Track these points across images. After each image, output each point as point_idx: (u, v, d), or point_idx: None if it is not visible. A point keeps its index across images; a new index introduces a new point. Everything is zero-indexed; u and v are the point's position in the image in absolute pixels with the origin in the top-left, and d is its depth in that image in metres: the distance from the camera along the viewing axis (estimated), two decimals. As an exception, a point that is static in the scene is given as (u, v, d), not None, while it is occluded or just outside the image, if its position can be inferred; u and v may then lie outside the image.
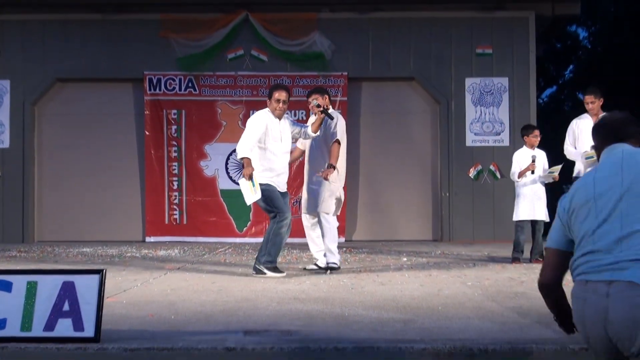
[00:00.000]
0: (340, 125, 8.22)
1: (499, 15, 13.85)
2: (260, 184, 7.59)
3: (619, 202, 3.22)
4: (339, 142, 8.11)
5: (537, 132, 9.59)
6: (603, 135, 3.58)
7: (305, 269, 8.27)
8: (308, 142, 8.33)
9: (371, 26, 13.91)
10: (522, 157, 9.47)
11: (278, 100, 7.77)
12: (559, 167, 9.38)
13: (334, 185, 8.16)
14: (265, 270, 7.54)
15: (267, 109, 7.89)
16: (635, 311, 3.04)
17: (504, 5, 13.83)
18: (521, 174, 9.35)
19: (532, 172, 9.30)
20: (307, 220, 8.28)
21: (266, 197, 7.64)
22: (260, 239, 13.21)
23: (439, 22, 13.89)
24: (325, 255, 8.11)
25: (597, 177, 3.35)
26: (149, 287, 6.78)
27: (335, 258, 8.07)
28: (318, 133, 7.94)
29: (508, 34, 13.85)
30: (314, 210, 8.13)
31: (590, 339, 3.26)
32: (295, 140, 8.33)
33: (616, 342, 3.15)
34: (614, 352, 3.20)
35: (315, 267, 8.25)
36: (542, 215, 9.38)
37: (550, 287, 3.51)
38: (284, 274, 7.59)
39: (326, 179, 7.95)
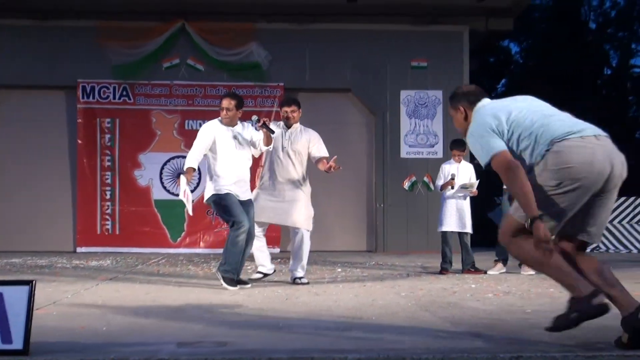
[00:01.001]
0: (322, 143, 8.27)
1: (434, 29, 14.05)
2: (217, 194, 7.52)
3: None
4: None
5: (456, 152, 9.65)
6: (478, 93, 4.75)
7: (250, 279, 8.15)
8: (278, 154, 8.14)
9: (308, 37, 13.97)
10: (447, 170, 9.60)
11: (222, 108, 7.72)
12: (475, 182, 9.49)
13: (309, 199, 8.20)
14: (220, 279, 7.44)
15: (217, 118, 7.83)
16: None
17: (439, 19, 14.04)
18: (443, 188, 9.51)
19: (452, 188, 9.44)
20: (257, 228, 8.13)
21: (222, 206, 7.53)
22: (195, 250, 13.28)
23: (376, 35, 14.02)
24: (296, 270, 8.06)
25: (501, 107, 4.61)
26: (80, 299, 6.66)
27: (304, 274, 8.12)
28: (270, 147, 7.83)
29: (443, 48, 14.06)
30: (290, 223, 8.04)
31: (592, 174, 4.26)
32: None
33: (610, 178, 4.38)
34: (599, 188, 4.35)
35: (260, 274, 8.22)
36: (467, 227, 9.52)
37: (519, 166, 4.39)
38: (236, 288, 7.42)
39: (336, 169, 8.05)
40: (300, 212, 8.01)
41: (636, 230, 14.65)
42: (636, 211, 14.74)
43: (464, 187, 9.41)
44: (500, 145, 4.48)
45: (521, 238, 4.44)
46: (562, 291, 7.21)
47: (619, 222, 14.77)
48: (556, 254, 4.42)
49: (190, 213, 7.66)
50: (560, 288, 7.55)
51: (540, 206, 4.25)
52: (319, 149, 8.24)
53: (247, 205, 7.67)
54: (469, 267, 9.41)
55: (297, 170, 8.10)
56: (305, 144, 8.17)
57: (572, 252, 4.64)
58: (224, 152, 7.62)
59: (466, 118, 4.73)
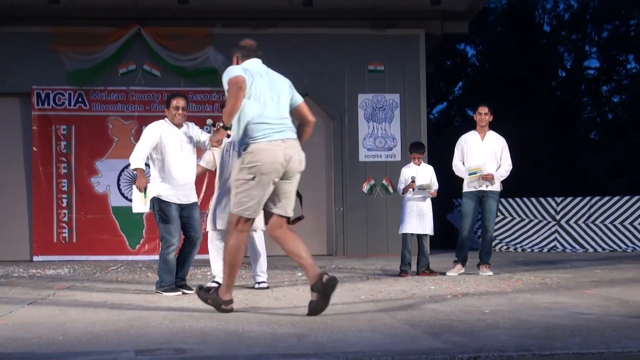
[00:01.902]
0: None
1: (390, 33, 14.14)
2: (159, 199, 7.44)
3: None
4: None
5: (415, 154, 9.73)
6: (251, 52, 6.29)
7: (204, 286, 8.10)
8: (219, 159, 8.13)
9: (265, 42, 13.69)
10: (407, 173, 9.65)
11: (177, 107, 7.59)
12: (431, 183, 9.53)
13: None
14: (162, 292, 7.41)
15: (163, 119, 7.74)
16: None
17: (395, 23, 14.12)
18: (404, 191, 9.57)
19: (413, 190, 9.49)
20: (217, 235, 8.09)
21: (160, 215, 7.45)
22: (154, 256, 13.14)
23: (333, 39, 14.06)
24: (258, 275, 8.05)
25: (257, 75, 5.97)
26: (37, 308, 6.57)
27: (266, 277, 8.12)
28: (220, 147, 7.76)
29: (399, 52, 14.15)
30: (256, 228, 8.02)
31: (275, 169, 5.77)
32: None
33: (288, 170, 5.92)
34: (281, 177, 5.88)
35: (216, 284, 8.15)
36: (428, 229, 9.58)
37: None
38: (179, 293, 7.42)
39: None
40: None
41: (592, 229, 14.86)
42: (592, 211, 14.95)
43: (421, 188, 9.45)
44: (240, 74, 5.83)
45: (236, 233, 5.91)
46: (519, 291, 7.33)
47: (575, 222, 14.98)
48: (241, 255, 6.01)
49: (135, 211, 7.60)
50: (517, 288, 7.66)
51: (242, 193, 5.79)
52: None
53: (190, 208, 7.60)
54: (424, 269, 9.47)
55: None
56: None
57: (279, 227, 6.23)
58: (169, 153, 7.51)
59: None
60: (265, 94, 5.94)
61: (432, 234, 9.76)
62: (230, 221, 6.04)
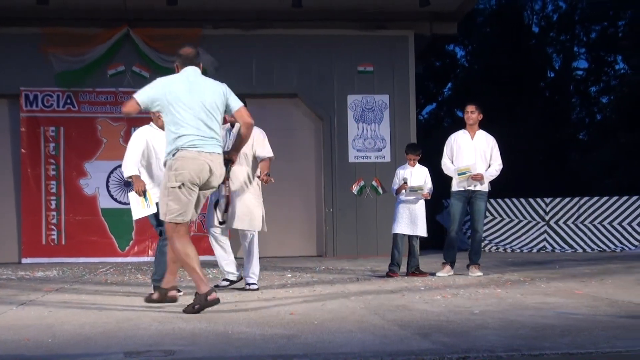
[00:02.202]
0: (267, 142, 8.14)
1: (380, 34, 14.15)
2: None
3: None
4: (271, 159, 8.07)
5: (410, 156, 9.73)
6: (187, 60, 6.45)
7: (217, 286, 8.07)
8: None
9: (254, 43, 13.95)
10: (401, 174, 9.65)
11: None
12: (424, 185, 9.53)
13: (260, 200, 8.11)
14: (153, 291, 7.37)
15: (149, 124, 7.71)
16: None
17: (384, 24, 14.14)
18: (397, 192, 9.57)
19: (405, 191, 9.49)
20: (220, 234, 8.08)
21: (155, 215, 7.45)
22: (143, 258, 13.14)
23: (322, 40, 14.07)
24: (249, 276, 8.01)
25: (183, 83, 6.24)
26: (26, 310, 6.54)
27: (257, 279, 8.06)
28: None
29: (388, 52, 14.16)
30: (238, 226, 7.97)
31: (199, 178, 5.99)
32: None
33: (209, 182, 6.10)
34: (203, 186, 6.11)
35: (227, 282, 8.16)
36: (420, 230, 9.58)
37: None
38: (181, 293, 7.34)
39: (267, 182, 7.84)
40: (245, 214, 7.93)
41: (581, 230, 14.90)
42: (581, 211, 15.00)
43: (413, 189, 9.45)
44: (141, 97, 6.22)
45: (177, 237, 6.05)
46: (509, 292, 7.35)
47: (564, 223, 15.02)
48: (194, 253, 6.04)
49: (135, 217, 7.55)
50: (507, 288, 7.69)
51: (172, 200, 5.99)
52: (264, 149, 8.10)
53: None
54: (413, 270, 9.48)
55: (242, 170, 7.98)
56: (249, 142, 8.02)
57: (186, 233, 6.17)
58: (155, 158, 7.49)
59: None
60: (191, 103, 6.05)
61: (425, 236, 9.75)
62: (167, 229, 6.19)
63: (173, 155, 5.99)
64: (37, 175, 13.27)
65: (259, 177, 7.97)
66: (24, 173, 13.28)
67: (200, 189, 6.13)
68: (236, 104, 6.32)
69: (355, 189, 13.88)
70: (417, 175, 9.60)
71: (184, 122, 5.99)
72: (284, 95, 14.12)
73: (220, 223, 7.15)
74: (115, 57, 13.56)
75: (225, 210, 7.00)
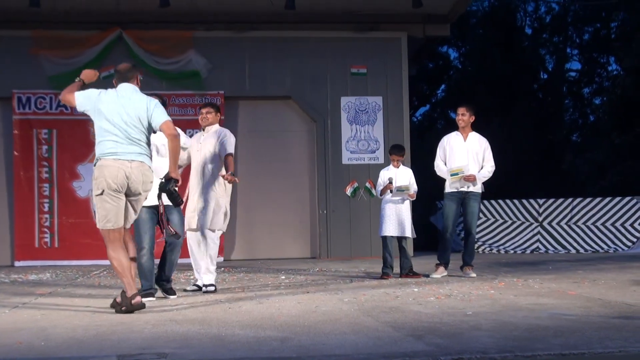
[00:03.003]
0: (231, 140, 8.14)
1: (373, 35, 14.17)
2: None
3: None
4: (232, 155, 8.06)
5: (395, 156, 9.72)
6: (121, 77, 6.76)
7: (185, 290, 8.14)
8: (194, 157, 8.14)
9: (247, 45, 13.95)
10: (385, 175, 9.63)
11: None
12: (407, 185, 9.48)
13: (222, 200, 8.07)
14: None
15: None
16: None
17: (377, 26, 14.16)
18: (382, 193, 9.57)
19: (390, 192, 9.48)
20: (195, 237, 8.10)
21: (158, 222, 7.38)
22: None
23: (315, 42, 14.08)
24: (200, 275, 8.03)
25: (109, 96, 6.52)
26: (18, 313, 6.52)
27: (214, 278, 8.02)
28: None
29: (382, 54, 14.18)
30: (202, 226, 7.98)
31: (117, 185, 6.28)
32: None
33: (130, 189, 6.37)
34: (127, 193, 6.37)
35: (196, 287, 8.16)
36: (407, 231, 9.54)
37: None
38: (153, 299, 7.30)
39: (231, 181, 7.84)
40: (205, 214, 7.94)
41: (574, 230, 14.93)
42: (574, 212, 15.02)
43: (399, 189, 9.43)
44: (79, 97, 6.58)
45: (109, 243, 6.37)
46: (502, 293, 7.36)
47: (557, 224, 15.04)
48: (125, 258, 6.35)
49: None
50: (500, 290, 7.70)
51: (99, 207, 6.34)
52: (224, 146, 8.06)
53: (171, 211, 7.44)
54: (407, 272, 9.47)
55: (208, 170, 8.02)
56: (214, 142, 8.06)
57: (124, 239, 6.47)
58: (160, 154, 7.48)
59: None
60: (112, 115, 6.41)
61: (413, 237, 9.75)
62: (102, 236, 6.44)
63: (95, 165, 6.41)
64: (29, 178, 13.24)
65: (222, 176, 7.94)
66: (16, 176, 13.25)
67: (127, 196, 6.42)
68: (160, 118, 6.52)
69: (349, 190, 13.88)
70: (401, 177, 9.59)
71: (105, 131, 6.40)
72: (277, 97, 14.11)
73: (173, 235, 7.14)
74: (108, 60, 13.50)
75: (163, 227, 6.95)
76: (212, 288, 7.96)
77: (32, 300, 7.53)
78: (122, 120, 6.40)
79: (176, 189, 6.60)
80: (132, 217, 6.60)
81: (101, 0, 13.00)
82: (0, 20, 13.25)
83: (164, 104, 7.48)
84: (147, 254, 7.35)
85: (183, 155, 7.99)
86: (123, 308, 6.28)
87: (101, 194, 6.32)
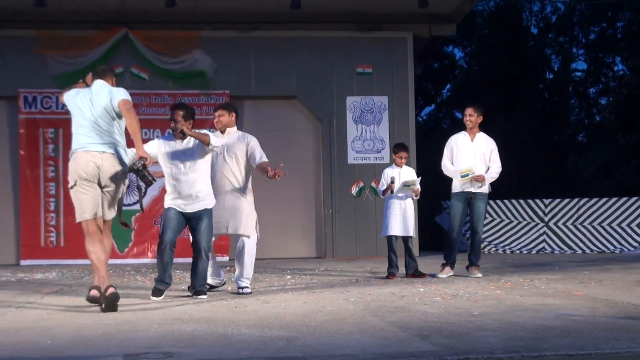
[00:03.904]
0: (259, 147, 8.04)
1: (378, 35, 14.16)
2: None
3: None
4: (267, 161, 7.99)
5: (402, 153, 9.67)
6: (99, 73, 6.98)
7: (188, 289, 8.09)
8: (220, 161, 7.95)
9: (253, 45, 13.95)
10: (389, 174, 9.60)
11: (171, 120, 7.53)
12: (414, 180, 9.43)
13: (252, 206, 8.02)
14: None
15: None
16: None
17: (383, 26, 14.15)
18: (384, 193, 9.54)
19: (392, 192, 9.45)
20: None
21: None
22: (142, 260, 13.14)
23: (320, 42, 14.07)
24: (239, 279, 7.93)
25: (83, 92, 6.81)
26: (24, 312, 6.54)
27: (249, 282, 7.96)
28: (211, 147, 7.58)
29: (387, 54, 14.17)
30: (233, 232, 7.89)
31: (88, 176, 6.53)
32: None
33: (101, 179, 6.62)
34: (98, 184, 6.56)
35: (207, 286, 8.08)
36: (410, 231, 9.50)
37: None
38: (159, 299, 7.30)
39: (275, 177, 7.77)
40: (239, 219, 7.88)
41: (580, 231, 14.90)
42: (580, 212, 14.99)
43: (405, 185, 9.38)
44: (65, 95, 6.93)
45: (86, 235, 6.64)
46: (508, 293, 7.35)
47: (563, 224, 15.02)
48: (103, 252, 6.60)
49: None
50: (506, 290, 7.69)
51: (74, 200, 6.62)
52: (254, 156, 7.97)
53: (195, 219, 7.49)
54: (413, 272, 9.45)
55: (235, 176, 7.92)
56: (243, 148, 7.97)
57: (100, 230, 6.68)
58: (167, 166, 7.48)
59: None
60: (86, 111, 6.68)
61: (413, 236, 9.70)
62: (83, 229, 6.70)
63: (70, 156, 6.73)
64: (36, 177, 13.27)
65: (271, 175, 7.83)
66: (22, 175, 13.27)
67: (101, 187, 6.65)
68: (118, 96, 6.72)
69: (354, 190, 13.87)
70: (405, 176, 9.55)
71: (79, 126, 6.69)
72: (283, 97, 14.11)
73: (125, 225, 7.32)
74: (114, 59, 13.53)
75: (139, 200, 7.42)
76: (248, 290, 7.84)
77: (38, 299, 7.55)
78: (91, 113, 6.67)
79: (145, 167, 6.69)
80: (109, 210, 6.75)
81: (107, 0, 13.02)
82: (6, 20, 13.27)
83: (192, 113, 7.56)
84: (166, 249, 7.35)
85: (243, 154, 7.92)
86: (102, 306, 6.43)
87: (74, 185, 6.59)
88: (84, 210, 6.60)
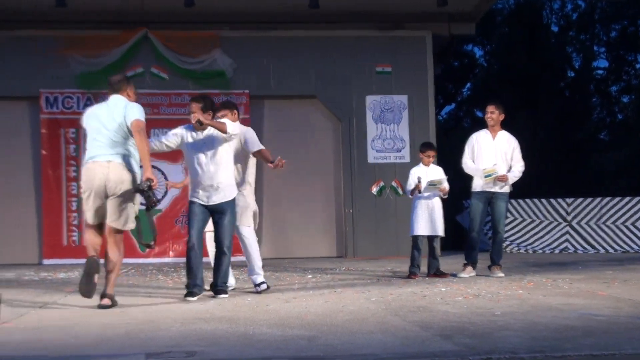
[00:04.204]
0: (254, 136, 8.04)
1: (398, 34, 14.13)
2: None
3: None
4: (263, 148, 7.99)
5: (430, 152, 9.61)
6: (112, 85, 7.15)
7: (207, 289, 8.05)
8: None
9: (273, 44, 13.96)
10: (415, 173, 9.56)
11: (189, 113, 7.57)
12: (440, 179, 9.39)
13: (250, 198, 8.00)
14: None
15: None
16: None
17: (402, 25, 14.12)
18: (412, 193, 9.48)
19: (419, 192, 9.39)
20: (211, 239, 8.07)
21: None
22: (164, 259, 13.19)
23: (340, 41, 14.06)
24: (251, 274, 7.89)
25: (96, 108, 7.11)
26: (48, 311, 6.58)
27: (262, 276, 7.91)
28: (227, 135, 7.55)
29: (406, 53, 14.13)
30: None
31: (94, 187, 6.70)
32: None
33: (108, 189, 6.69)
34: (105, 194, 6.72)
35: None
36: (438, 230, 9.45)
37: None
38: (194, 299, 7.28)
39: (278, 166, 7.78)
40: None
41: (603, 230, 14.78)
42: (603, 211, 14.87)
43: (432, 184, 9.33)
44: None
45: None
46: (531, 293, 7.31)
47: (586, 223, 14.91)
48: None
49: None
50: (529, 290, 7.64)
51: (83, 204, 6.96)
52: (248, 145, 7.91)
53: (217, 212, 7.48)
54: (434, 271, 9.40)
55: (235, 170, 7.85)
56: (236, 141, 7.83)
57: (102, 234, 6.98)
58: (190, 157, 7.50)
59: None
60: (96, 124, 6.89)
61: (443, 235, 9.65)
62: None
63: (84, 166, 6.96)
64: (57, 177, 13.35)
65: (272, 163, 7.83)
66: (44, 174, 13.36)
67: (108, 195, 6.76)
68: (131, 116, 6.82)
69: (374, 189, 13.85)
70: (433, 175, 9.50)
71: (89, 138, 6.92)
72: (302, 96, 14.11)
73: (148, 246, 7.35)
74: (134, 59, 13.61)
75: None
76: (265, 286, 7.79)
77: (61, 298, 7.60)
78: (105, 128, 6.81)
79: (150, 189, 6.68)
80: (114, 217, 6.81)
81: (127, 0, 13.05)
82: (27, 21, 13.36)
83: (212, 104, 7.55)
84: (192, 251, 7.32)
85: (237, 146, 7.89)
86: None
87: (84, 192, 6.80)
88: (88, 217, 6.90)
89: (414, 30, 14.23)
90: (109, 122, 6.81)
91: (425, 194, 9.39)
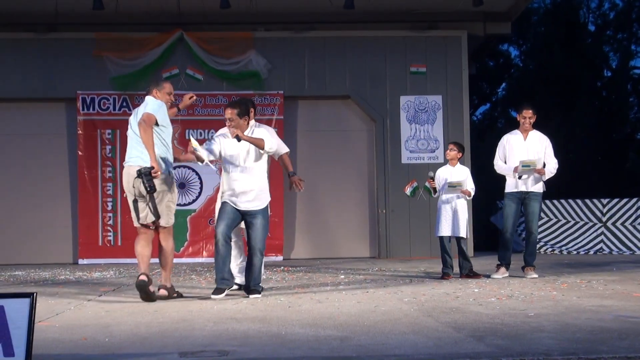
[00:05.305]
0: (275, 135, 8.05)
1: (432, 34, 14.09)
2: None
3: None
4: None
5: (452, 153, 9.58)
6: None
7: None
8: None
9: (306, 45, 13.99)
10: (441, 174, 9.54)
11: (225, 120, 7.56)
12: (459, 181, 9.31)
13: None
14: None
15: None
16: None
17: (437, 24, 14.08)
18: (434, 192, 9.50)
19: (435, 190, 9.38)
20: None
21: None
22: (198, 259, 13.28)
23: (374, 41, 14.05)
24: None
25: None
26: (83, 310, 6.66)
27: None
28: (266, 149, 7.53)
29: (441, 53, 14.08)
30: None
31: (127, 185, 7.29)
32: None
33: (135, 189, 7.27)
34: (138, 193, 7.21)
35: (236, 286, 8.04)
36: (460, 231, 9.36)
37: None
38: (221, 296, 7.32)
39: (299, 186, 7.88)
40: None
41: (638, 231, 14.60)
42: (638, 212, 14.70)
43: (451, 185, 9.31)
44: None
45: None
46: (565, 294, 7.25)
47: (622, 224, 14.74)
48: (140, 251, 7.50)
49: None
50: (563, 291, 7.58)
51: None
52: (278, 146, 7.89)
53: (249, 217, 7.50)
54: (467, 272, 9.36)
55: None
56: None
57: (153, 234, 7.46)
58: (227, 161, 7.53)
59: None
60: (134, 126, 7.31)
61: (465, 237, 9.50)
62: None
63: None
64: (93, 178, 13.49)
65: (290, 177, 7.90)
66: (80, 175, 13.51)
67: (141, 195, 7.24)
68: (142, 111, 7.26)
69: (408, 190, 13.82)
70: (457, 175, 9.46)
71: (129, 139, 7.43)
72: (336, 96, 14.12)
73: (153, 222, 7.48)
74: (170, 61, 13.73)
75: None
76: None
77: (96, 298, 7.68)
78: (133, 131, 7.33)
79: (150, 174, 7.06)
80: (149, 214, 7.31)
81: (163, 1, 13.16)
82: (65, 23, 13.53)
83: (247, 109, 7.59)
84: (219, 242, 7.35)
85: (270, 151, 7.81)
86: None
87: (128, 197, 7.36)
88: (133, 218, 7.46)
89: (448, 30, 14.18)
90: (135, 125, 7.27)
91: (445, 196, 9.36)
